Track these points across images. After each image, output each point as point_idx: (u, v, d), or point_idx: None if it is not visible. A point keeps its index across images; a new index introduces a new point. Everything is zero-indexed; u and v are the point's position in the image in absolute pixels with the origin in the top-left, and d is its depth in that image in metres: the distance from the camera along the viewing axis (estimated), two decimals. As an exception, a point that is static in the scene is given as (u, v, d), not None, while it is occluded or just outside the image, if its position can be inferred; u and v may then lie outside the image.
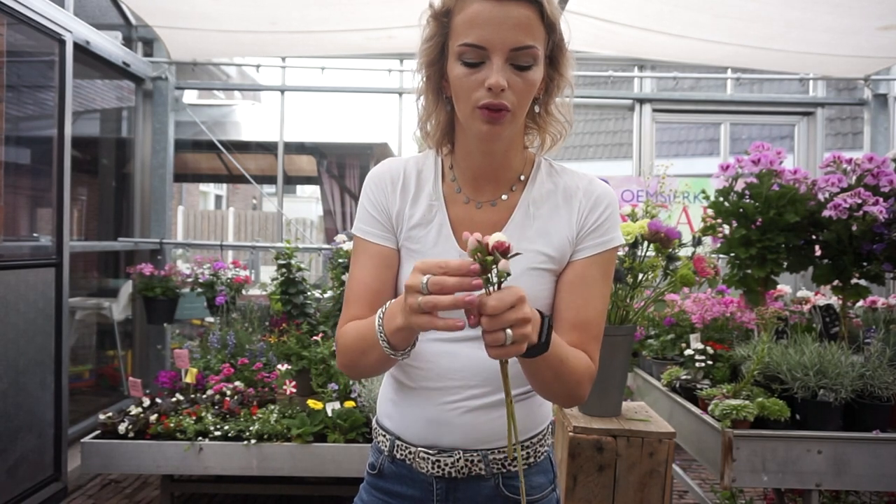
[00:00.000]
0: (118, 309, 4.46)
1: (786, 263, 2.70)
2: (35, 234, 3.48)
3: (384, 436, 1.11)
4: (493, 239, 0.76)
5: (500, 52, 0.91)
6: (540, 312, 0.86)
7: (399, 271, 1.07)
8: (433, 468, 1.04)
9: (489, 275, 0.77)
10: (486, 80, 0.91)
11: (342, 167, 6.20)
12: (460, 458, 1.03)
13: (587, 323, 1.01)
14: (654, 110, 4.99)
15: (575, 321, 1.01)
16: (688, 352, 2.55)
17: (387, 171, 1.08)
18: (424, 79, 1.02)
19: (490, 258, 0.76)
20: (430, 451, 1.04)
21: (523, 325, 0.77)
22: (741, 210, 2.67)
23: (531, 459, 1.08)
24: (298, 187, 13.11)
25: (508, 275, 0.77)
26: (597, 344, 1.03)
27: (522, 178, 1.06)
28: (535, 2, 0.92)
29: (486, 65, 0.92)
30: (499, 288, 0.77)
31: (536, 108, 1.03)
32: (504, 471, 1.05)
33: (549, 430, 1.14)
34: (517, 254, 0.78)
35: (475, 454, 1.03)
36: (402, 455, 1.07)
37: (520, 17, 0.91)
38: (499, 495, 1.05)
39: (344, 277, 3.29)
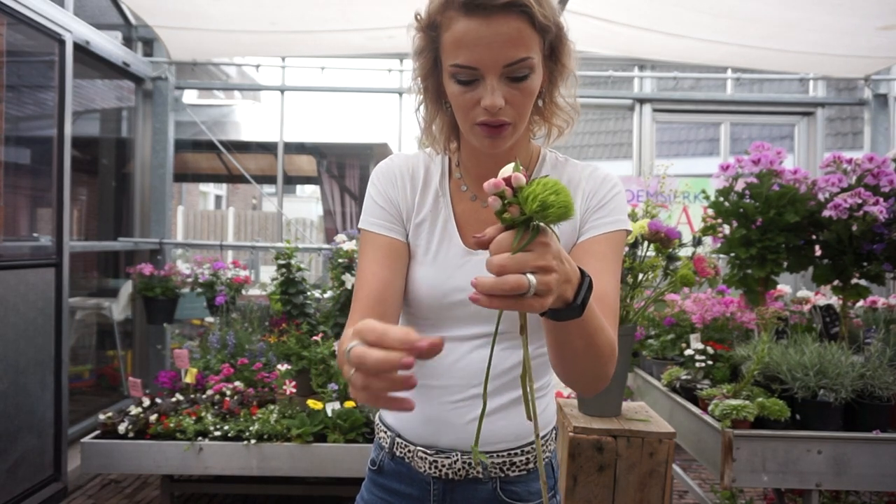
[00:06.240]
0: (118, 309, 4.46)
1: (786, 263, 2.70)
2: (35, 234, 3.48)
3: (385, 432, 1.10)
4: (509, 172, 0.63)
5: (493, 71, 0.87)
6: (580, 269, 0.73)
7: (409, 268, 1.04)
8: (430, 468, 1.03)
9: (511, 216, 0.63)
10: (481, 100, 0.88)
11: (342, 167, 6.20)
12: (458, 459, 1.02)
13: (603, 294, 0.90)
14: (654, 110, 4.99)
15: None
16: (688, 352, 2.55)
17: (396, 164, 1.08)
18: (422, 89, 1.00)
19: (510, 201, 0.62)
20: (429, 451, 1.03)
21: (546, 273, 0.62)
22: (741, 210, 2.67)
23: (530, 465, 1.05)
24: (298, 187, 13.12)
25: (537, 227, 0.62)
26: (615, 319, 0.93)
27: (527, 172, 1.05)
28: (523, 11, 0.86)
29: (480, 83, 0.88)
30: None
31: (540, 102, 0.99)
32: (502, 475, 1.03)
33: (553, 435, 1.11)
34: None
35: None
36: (401, 453, 1.07)
37: (510, 31, 0.85)
38: (496, 500, 1.03)
39: (344, 278, 3.29)
